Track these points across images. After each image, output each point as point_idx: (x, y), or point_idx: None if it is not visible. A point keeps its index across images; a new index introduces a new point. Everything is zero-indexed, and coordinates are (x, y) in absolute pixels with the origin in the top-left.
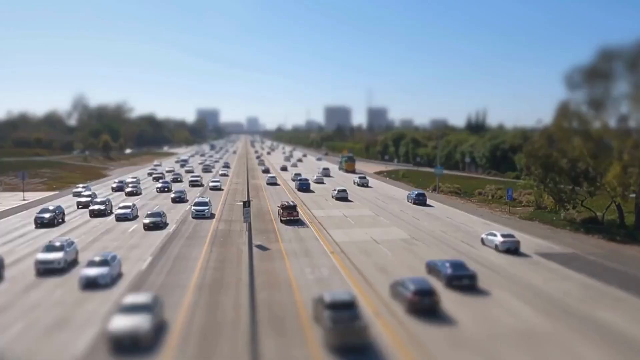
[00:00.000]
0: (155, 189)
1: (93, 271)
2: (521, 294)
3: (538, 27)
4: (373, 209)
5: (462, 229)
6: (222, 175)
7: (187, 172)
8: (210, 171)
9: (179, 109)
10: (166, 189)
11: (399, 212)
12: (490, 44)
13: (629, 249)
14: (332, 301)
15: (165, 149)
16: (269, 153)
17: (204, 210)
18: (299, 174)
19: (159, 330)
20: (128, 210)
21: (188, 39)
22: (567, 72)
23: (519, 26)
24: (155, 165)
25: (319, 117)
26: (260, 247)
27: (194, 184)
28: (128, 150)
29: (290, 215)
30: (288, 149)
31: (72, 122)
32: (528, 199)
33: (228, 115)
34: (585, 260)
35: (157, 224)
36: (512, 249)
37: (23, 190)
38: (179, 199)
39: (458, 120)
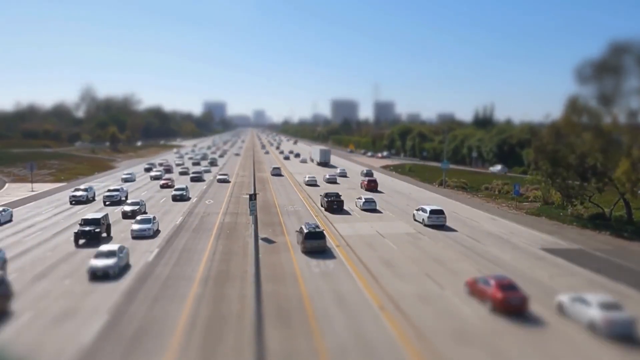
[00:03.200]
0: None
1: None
2: (527, 289)
3: (546, 23)
4: (379, 203)
5: (469, 223)
6: None
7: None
8: None
9: (186, 101)
10: None
11: (404, 206)
12: (498, 38)
13: (636, 246)
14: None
15: (162, 142)
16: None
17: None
18: None
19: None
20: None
21: (195, 33)
22: (578, 65)
23: (526, 22)
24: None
25: (325, 111)
26: (266, 240)
27: None
28: (139, 143)
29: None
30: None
31: (80, 114)
32: (535, 194)
33: (235, 108)
34: (592, 257)
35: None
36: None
37: (31, 182)
38: None
39: (465, 114)
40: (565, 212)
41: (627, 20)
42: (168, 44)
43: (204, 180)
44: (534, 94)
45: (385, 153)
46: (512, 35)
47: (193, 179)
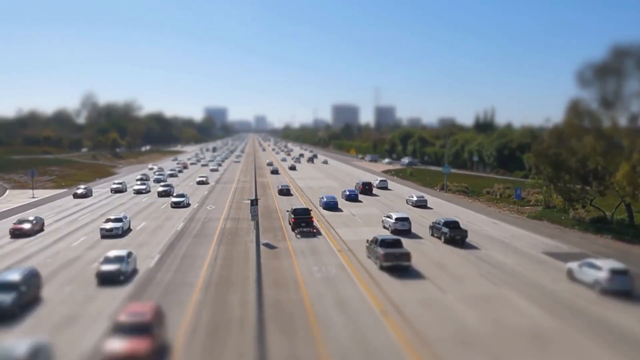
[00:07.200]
0: None
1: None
2: (529, 293)
3: (546, 27)
4: (381, 208)
5: (470, 227)
6: None
7: None
8: None
9: (187, 107)
10: None
11: (406, 211)
12: (499, 42)
13: (638, 249)
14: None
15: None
16: None
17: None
18: None
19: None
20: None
21: (196, 38)
22: (579, 69)
23: (526, 26)
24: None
25: (326, 116)
26: (267, 245)
27: None
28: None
29: None
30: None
31: (81, 120)
32: (536, 198)
33: (236, 113)
34: None
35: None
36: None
37: (32, 188)
38: None
39: (466, 118)
40: (567, 215)
41: (628, 23)
42: (169, 50)
43: None
44: (534, 98)
45: (407, 160)
46: (512, 39)
47: None
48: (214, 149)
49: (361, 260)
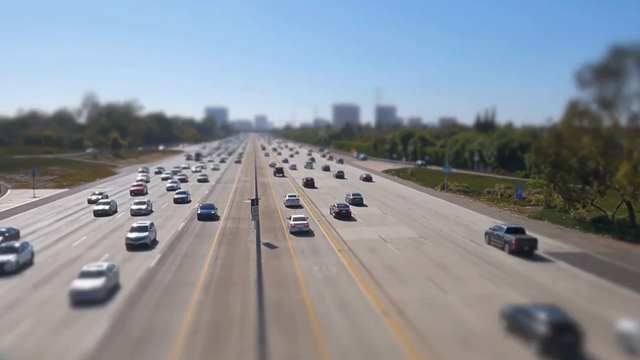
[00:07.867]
0: None
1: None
2: (530, 293)
3: (547, 27)
4: (381, 208)
5: (471, 227)
6: None
7: None
8: None
9: (188, 107)
10: None
11: (407, 211)
12: (499, 42)
13: (638, 249)
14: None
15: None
16: None
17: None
18: None
19: None
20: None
21: (196, 38)
22: (578, 69)
23: (528, 26)
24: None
25: (327, 116)
26: (268, 245)
27: None
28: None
29: None
30: None
31: (82, 120)
32: (537, 197)
33: (236, 113)
34: (595, 260)
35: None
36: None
37: (34, 188)
38: None
39: (467, 118)
40: (568, 215)
41: (628, 23)
42: (169, 50)
43: None
44: (535, 97)
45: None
46: (512, 39)
47: None
48: (198, 156)
49: (362, 260)
